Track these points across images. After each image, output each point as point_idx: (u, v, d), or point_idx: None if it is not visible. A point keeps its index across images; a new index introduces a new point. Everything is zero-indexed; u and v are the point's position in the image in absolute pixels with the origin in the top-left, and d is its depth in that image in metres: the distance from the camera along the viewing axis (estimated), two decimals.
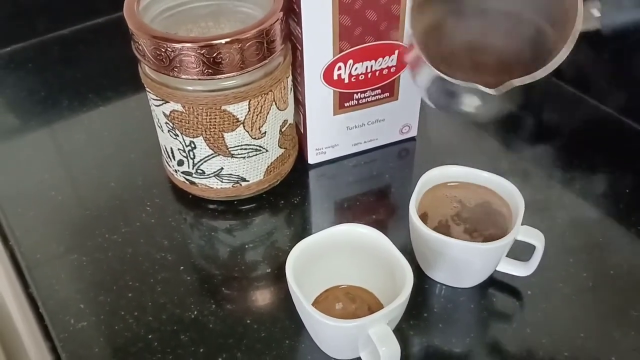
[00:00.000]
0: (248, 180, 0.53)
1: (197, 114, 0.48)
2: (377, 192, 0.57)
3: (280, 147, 0.53)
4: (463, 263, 0.44)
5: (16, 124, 0.65)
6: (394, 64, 0.53)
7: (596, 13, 0.38)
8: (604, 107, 0.63)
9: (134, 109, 0.66)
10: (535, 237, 0.44)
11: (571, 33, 0.37)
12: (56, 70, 0.72)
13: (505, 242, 0.43)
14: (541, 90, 0.66)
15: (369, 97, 0.55)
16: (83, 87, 0.68)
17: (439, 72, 0.40)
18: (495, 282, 0.47)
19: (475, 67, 0.43)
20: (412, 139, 0.61)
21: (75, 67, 0.72)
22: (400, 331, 0.41)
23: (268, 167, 0.53)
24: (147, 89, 0.49)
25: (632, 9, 0.38)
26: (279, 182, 0.56)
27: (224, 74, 0.45)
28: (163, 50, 0.44)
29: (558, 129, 0.62)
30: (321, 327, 0.39)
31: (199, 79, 0.46)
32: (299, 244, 0.42)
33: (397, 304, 0.38)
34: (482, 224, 0.46)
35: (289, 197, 0.56)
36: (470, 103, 0.41)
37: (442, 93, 0.42)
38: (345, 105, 0.55)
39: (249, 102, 0.48)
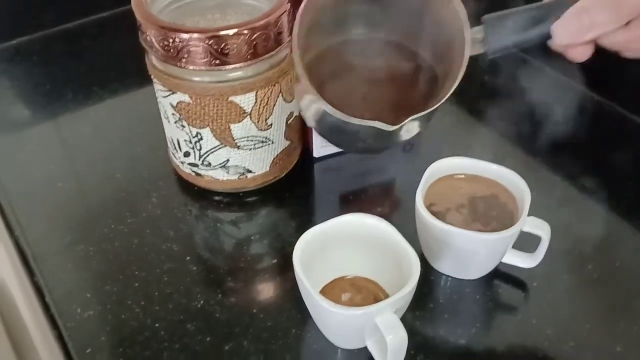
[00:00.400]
0: (254, 172, 0.53)
1: (204, 105, 0.48)
2: (382, 186, 0.57)
3: (286, 139, 0.53)
4: (469, 253, 0.44)
5: (22, 116, 0.65)
6: None
7: (479, 38, 0.39)
8: (609, 103, 0.63)
9: (139, 101, 0.66)
10: (541, 228, 0.44)
11: (462, 60, 0.38)
12: (61, 63, 0.72)
13: (511, 233, 0.43)
14: (548, 85, 0.66)
15: None
16: (88, 80, 0.68)
17: (332, 110, 0.38)
18: (501, 274, 0.48)
19: (367, 103, 0.43)
20: (417, 133, 0.61)
21: (80, 60, 0.72)
22: (405, 322, 0.41)
23: (274, 159, 0.53)
24: (154, 80, 0.50)
25: (514, 32, 0.39)
26: (284, 174, 0.56)
27: (231, 64, 0.46)
28: (171, 40, 0.45)
29: (565, 124, 0.62)
30: (328, 316, 0.39)
31: (207, 70, 0.46)
32: (305, 233, 0.42)
33: (404, 292, 0.38)
34: (489, 216, 0.46)
35: (294, 189, 0.56)
36: (364, 138, 0.41)
37: (331, 129, 0.41)
38: None
39: (256, 93, 0.48)
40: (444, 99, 0.38)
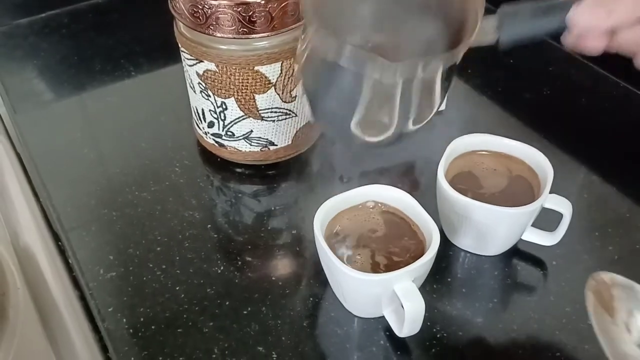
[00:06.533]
0: (276, 145, 0.53)
1: (230, 74, 0.48)
2: (402, 165, 0.57)
3: None
4: (489, 228, 0.44)
5: (50, 87, 0.66)
6: None
7: (493, 29, 0.39)
8: (629, 86, 0.63)
9: (165, 74, 0.67)
10: (562, 205, 0.44)
11: (463, 43, 0.37)
12: (89, 36, 0.73)
13: (533, 208, 0.43)
14: (569, 69, 0.66)
15: None
16: (115, 53, 0.69)
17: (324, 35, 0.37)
18: (520, 252, 0.48)
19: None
20: (439, 112, 0.61)
21: (108, 34, 0.73)
22: (423, 294, 0.42)
23: (297, 132, 0.54)
24: (181, 48, 0.50)
25: (528, 24, 0.39)
26: (306, 149, 0.56)
27: (258, 33, 0.46)
28: (200, 7, 0.45)
29: (585, 107, 0.62)
30: (347, 281, 0.40)
31: (234, 38, 0.46)
32: (326, 201, 0.43)
33: (423, 260, 0.39)
34: (511, 193, 0.46)
35: (315, 164, 0.56)
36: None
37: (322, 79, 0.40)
38: None
39: (282, 64, 0.48)
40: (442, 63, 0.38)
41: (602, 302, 0.35)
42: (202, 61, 0.48)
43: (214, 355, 0.41)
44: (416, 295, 0.38)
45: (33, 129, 0.60)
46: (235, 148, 0.53)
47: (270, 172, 0.55)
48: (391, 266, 0.41)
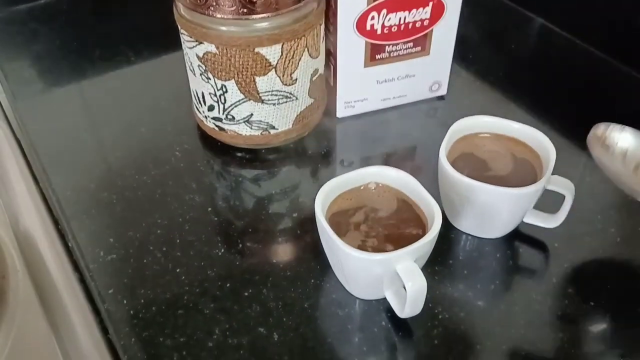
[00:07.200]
0: (277, 129, 0.53)
1: (230, 56, 0.48)
2: (403, 150, 0.57)
3: (310, 97, 0.53)
4: (492, 209, 0.44)
5: (49, 73, 0.66)
6: (428, 16, 0.53)
7: None
8: (631, 71, 0.62)
9: (165, 60, 0.66)
10: (565, 187, 0.43)
11: None
12: (88, 22, 0.73)
13: (535, 189, 0.42)
14: (571, 54, 0.65)
15: (400, 50, 0.55)
16: (115, 38, 0.69)
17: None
18: (521, 235, 0.47)
19: None
20: (441, 97, 0.61)
21: (107, 21, 0.73)
22: (424, 275, 0.41)
23: (297, 116, 0.53)
24: (181, 30, 0.50)
25: None
26: (307, 133, 0.56)
27: (258, 14, 0.46)
28: None
29: (587, 91, 0.61)
30: (349, 261, 0.39)
31: (234, 19, 0.46)
32: (328, 182, 0.42)
33: (426, 240, 0.38)
34: (512, 176, 0.46)
35: (316, 149, 0.56)
36: None
37: None
38: (377, 57, 0.54)
39: (282, 45, 0.48)
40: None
41: (603, 146, 0.42)
42: (202, 43, 0.48)
43: (214, 336, 0.41)
44: (418, 274, 0.38)
45: (33, 114, 0.60)
46: (235, 132, 0.53)
47: (271, 156, 0.55)
48: (393, 247, 0.40)
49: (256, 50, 0.47)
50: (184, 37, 0.50)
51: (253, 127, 0.53)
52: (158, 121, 0.58)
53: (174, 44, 0.52)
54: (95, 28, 0.71)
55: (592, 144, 0.43)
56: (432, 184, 0.46)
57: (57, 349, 0.44)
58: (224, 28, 0.47)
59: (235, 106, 0.51)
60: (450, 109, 0.60)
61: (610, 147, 0.42)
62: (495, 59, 0.66)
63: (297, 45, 0.49)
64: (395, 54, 0.55)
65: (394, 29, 0.53)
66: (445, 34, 0.55)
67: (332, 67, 0.56)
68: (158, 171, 0.53)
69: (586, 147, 0.54)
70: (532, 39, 0.66)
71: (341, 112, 0.58)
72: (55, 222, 0.50)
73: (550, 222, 0.46)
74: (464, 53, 0.64)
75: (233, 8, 0.45)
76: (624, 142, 0.42)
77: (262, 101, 0.51)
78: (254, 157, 0.55)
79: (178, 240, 0.47)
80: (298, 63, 0.50)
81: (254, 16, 0.46)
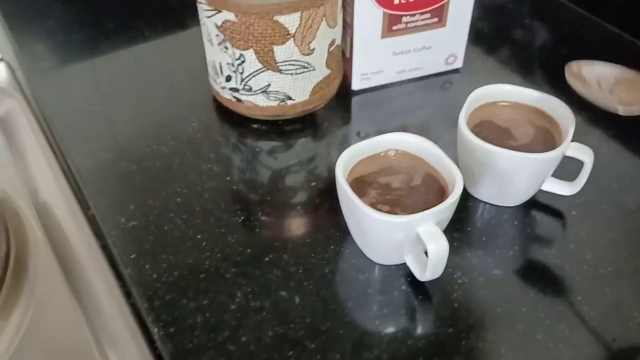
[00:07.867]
0: (294, 99, 0.53)
1: (249, 24, 0.48)
2: (419, 122, 0.57)
3: (327, 68, 0.53)
4: (511, 176, 0.44)
5: (63, 47, 0.66)
6: None
7: None
8: None
9: (179, 33, 0.66)
10: (584, 153, 0.44)
11: None
12: None
13: (555, 155, 0.43)
14: (585, 28, 0.65)
15: (417, 21, 0.55)
16: (128, 12, 0.69)
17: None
18: (539, 203, 0.48)
19: None
20: (457, 71, 0.61)
21: None
22: None
23: (314, 86, 0.53)
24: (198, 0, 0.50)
25: None
26: (323, 105, 0.56)
27: None
28: None
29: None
30: (370, 225, 0.40)
31: None
32: (348, 148, 0.43)
33: (447, 203, 0.39)
34: (532, 143, 0.46)
35: (332, 120, 0.56)
36: None
37: None
38: (393, 28, 0.54)
39: (301, 13, 0.48)
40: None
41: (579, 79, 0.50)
42: (220, 11, 0.48)
43: (237, 299, 0.41)
44: (440, 236, 0.38)
45: (47, 88, 0.60)
46: (252, 103, 0.53)
47: (288, 128, 0.55)
48: (414, 212, 0.41)
49: (275, 18, 0.48)
50: (202, 7, 0.50)
51: (270, 98, 0.53)
52: (173, 95, 0.58)
53: (190, 18, 0.52)
54: (108, 1, 0.71)
55: (571, 80, 0.50)
56: (451, 154, 0.46)
57: (81, 315, 0.44)
58: None
59: (253, 76, 0.51)
60: (465, 82, 0.60)
61: (586, 79, 0.50)
62: (510, 33, 0.66)
63: (316, 14, 0.49)
64: (412, 24, 0.55)
65: (412, 0, 0.53)
66: (462, 6, 0.55)
67: (348, 38, 0.56)
68: (175, 142, 0.53)
69: (603, 117, 0.54)
70: (547, 14, 0.66)
71: (357, 84, 0.58)
72: (75, 192, 0.51)
73: (568, 189, 0.46)
74: (480, 26, 0.64)
75: None
76: (593, 74, 0.50)
77: (280, 71, 0.51)
78: (270, 128, 0.55)
79: (198, 208, 0.47)
80: (316, 32, 0.50)
81: None
